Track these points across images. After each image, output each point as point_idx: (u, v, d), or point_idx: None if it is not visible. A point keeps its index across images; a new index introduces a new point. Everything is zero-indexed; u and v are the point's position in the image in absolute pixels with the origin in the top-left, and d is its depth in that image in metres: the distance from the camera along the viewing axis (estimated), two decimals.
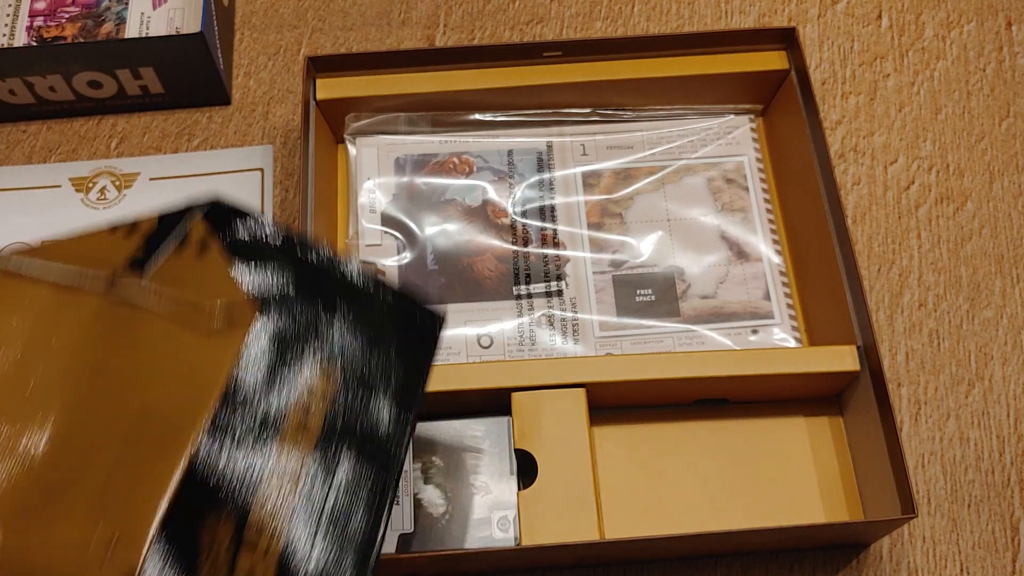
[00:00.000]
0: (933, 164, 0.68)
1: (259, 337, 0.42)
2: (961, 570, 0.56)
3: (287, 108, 0.70)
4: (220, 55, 0.68)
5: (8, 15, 0.71)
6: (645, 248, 0.64)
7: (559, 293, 0.63)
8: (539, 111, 0.66)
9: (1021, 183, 0.68)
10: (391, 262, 0.63)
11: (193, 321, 0.41)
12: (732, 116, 0.68)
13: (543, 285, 0.63)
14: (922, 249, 0.65)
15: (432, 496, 0.54)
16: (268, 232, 0.44)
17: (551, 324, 0.62)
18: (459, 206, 0.66)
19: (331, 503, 0.40)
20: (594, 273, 0.64)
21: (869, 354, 0.55)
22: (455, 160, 0.67)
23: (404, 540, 0.53)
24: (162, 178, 0.68)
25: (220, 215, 0.44)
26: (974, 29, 0.73)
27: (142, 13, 0.71)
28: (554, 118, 0.67)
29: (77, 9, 0.72)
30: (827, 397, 0.60)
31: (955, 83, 0.71)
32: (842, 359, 0.56)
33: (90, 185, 0.67)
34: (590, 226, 0.65)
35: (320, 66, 0.63)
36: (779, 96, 0.66)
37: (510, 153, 0.67)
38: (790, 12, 0.74)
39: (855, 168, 0.68)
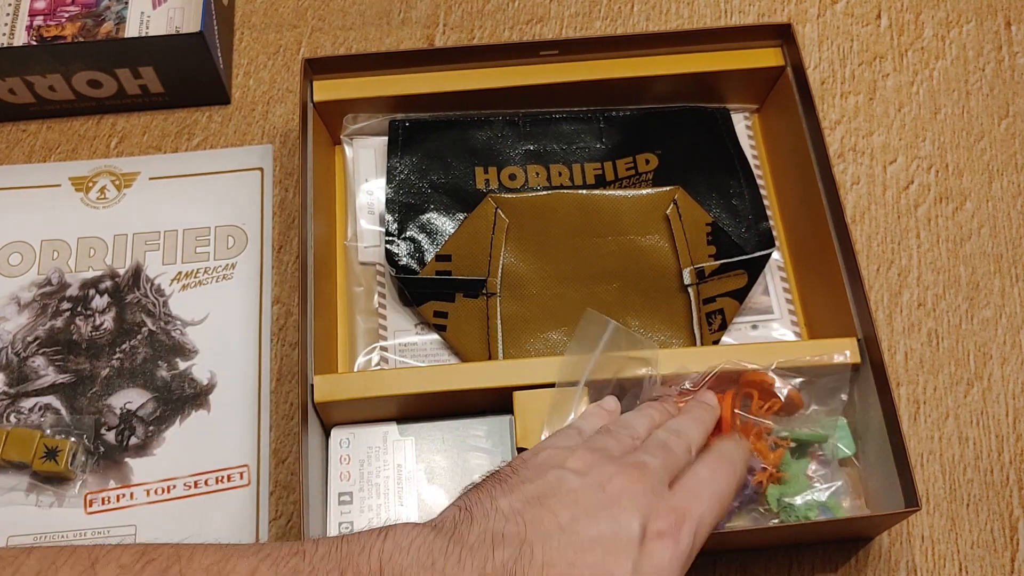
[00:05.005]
0: (932, 164, 0.68)
1: None
2: (960, 569, 0.56)
3: (287, 108, 0.70)
4: (220, 55, 0.68)
5: (8, 14, 0.71)
6: None
7: None
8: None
9: (1020, 183, 0.68)
10: None
11: None
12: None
13: None
14: (921, 248, 0.65)
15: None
16: None
17: None
18: None
19: None
20: None
21: (870, 347, 0.55)
22: None
23: None
24: (162, 177, 0.68)
25: None
26: (973, 29, 0.74)
27: (142, 12, 0.71)
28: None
29: (77, 8, 0.71)
30: None
31: (954, 83, 0.71)
32: (843, 353, 0.56)
33: (90, 184, 0.67)
34: None
35: (317, 68, 0.63)
36: (775, 92, 0.66)
37: None
38: (789, 12, 0.74)
39: (854, 168, 0.68)
